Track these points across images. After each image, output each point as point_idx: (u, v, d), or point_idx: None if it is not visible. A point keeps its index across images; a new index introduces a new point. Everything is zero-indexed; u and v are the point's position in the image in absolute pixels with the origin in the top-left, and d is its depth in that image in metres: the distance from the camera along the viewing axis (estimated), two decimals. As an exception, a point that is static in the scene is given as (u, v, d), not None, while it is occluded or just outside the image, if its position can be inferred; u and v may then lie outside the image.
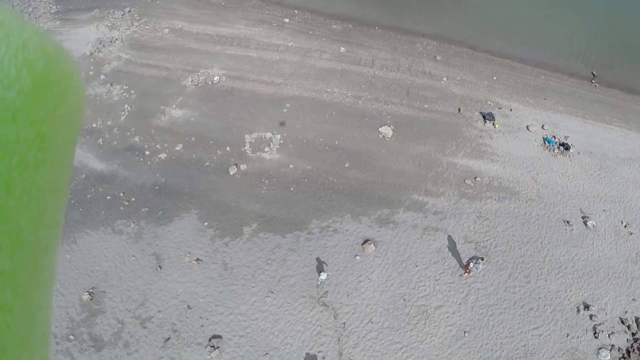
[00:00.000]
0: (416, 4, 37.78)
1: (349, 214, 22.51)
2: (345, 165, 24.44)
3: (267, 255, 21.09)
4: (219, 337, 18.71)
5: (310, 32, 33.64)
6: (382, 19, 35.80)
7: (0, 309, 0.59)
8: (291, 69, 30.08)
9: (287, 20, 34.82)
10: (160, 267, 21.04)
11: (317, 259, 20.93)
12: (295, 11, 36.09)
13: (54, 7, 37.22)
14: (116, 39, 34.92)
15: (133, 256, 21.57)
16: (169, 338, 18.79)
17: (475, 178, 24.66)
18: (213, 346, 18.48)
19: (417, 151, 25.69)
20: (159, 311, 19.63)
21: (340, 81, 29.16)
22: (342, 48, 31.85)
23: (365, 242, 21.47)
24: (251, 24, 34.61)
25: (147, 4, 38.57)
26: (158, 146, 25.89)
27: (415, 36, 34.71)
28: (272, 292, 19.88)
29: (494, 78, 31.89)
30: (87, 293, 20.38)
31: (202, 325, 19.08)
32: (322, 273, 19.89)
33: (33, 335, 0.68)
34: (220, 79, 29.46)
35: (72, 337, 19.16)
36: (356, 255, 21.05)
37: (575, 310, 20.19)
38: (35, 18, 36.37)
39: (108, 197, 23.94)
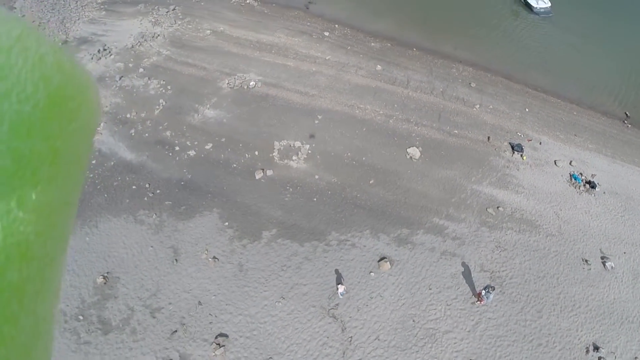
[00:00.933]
0: (456, 30, 37.84)
1: (368, 229, 22.62)
2: (370, 182, 24.57)
3: (283, 262, 21.27)
4: (226, 335, 18.88)
5: (349, 47, 33.92)
6: (421, 42, 35.88)
7: (6, 320, 0.59)
8: (327, 81, 30.37)
9: (327, 33, 35.17)
10: (176, 260, 21.30)
11: (336, 270, 21.08)
12: (336, 26, 36.40)
13: (102, -3, 37.68)
14: (158, 35, 35.42)
15: (151, 247, 21.85)
16: (176, 330, 19.03)
17: (497, 207, 24.48)
18: (219, 344, 18.63)
19: (443, 175, 25.67)
20: (170, 303, 19.88)
21: (374, 98, 29.35)
22: (378, 66, 32.07)
23: (381, 259, 21.50)
24: (291, 34, 35.01)
25: (191, 4, 39.10)
26: (188, 143, 26.21)
27: (452, 61, 34.69)
28: (283, 298, 20.02)
29: (526, 110, 31.66)
30: (101, 277, 20.71)
31: (210, 322, 19.28)
32: (340, 286, 19.95)
33: (36, 347, 0.69)
34: (256, 84, 29.76)
35: (81, 318, 19.47)
36: (371, 272, 21.08)
37: (585, 350, 19.89)
38: (82, 7, 37.39)
39: (133, 187, 24.29)
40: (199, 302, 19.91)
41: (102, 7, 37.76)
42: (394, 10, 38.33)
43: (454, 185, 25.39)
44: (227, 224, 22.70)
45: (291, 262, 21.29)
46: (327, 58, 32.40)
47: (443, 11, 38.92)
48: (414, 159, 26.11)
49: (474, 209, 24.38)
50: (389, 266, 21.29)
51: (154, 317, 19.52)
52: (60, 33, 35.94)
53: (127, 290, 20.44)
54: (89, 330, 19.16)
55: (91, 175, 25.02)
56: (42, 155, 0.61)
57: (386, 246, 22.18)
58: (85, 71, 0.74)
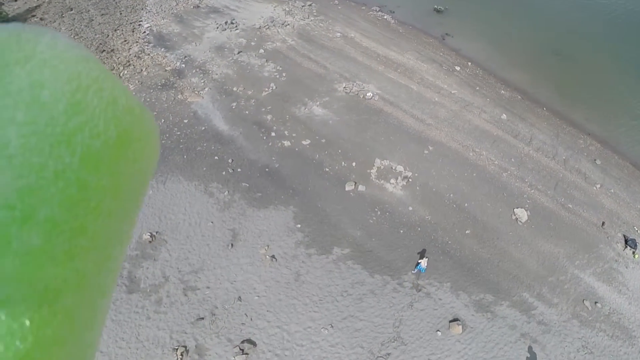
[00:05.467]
0: (593, 102, 34.71)
1: (450, 283, 20.03)
2: (466, 232, 22.02)
3: (346, 287, 19.23)
4: (253, 344, 17.23)
5: (477, 88, 31.67)
6: (553, 103, 33.19)
7: (55, 342, 0.60)
8: (446, 115, 28.28)
9: (457, 68, 33.20)
10: (232, 245, 20.17)
11: (423, 250, 18.48)
12: (469, 63, 34.40)
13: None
14: (288, 24, 36.01)
15: (211, 222, 21.01)
16: (203, 318, 17.76)
17: (595, 303, 21.19)
18: (242, 350, 17.02)
19: (546, 249, 22.67)
20: (208, 287, 18.73)
21: (491, 146, 26.84)
22: (503, 115, 29.55)
23: (454, 320, 18.87)
24: (421, 58, 33.38)
25: (328, 4, 39.59)
26: (286, 132, 25.51)
27: (581, 131, 31.63)
28: (331, 326, 17.97)
29: (651, 206, 28.07)
30: (149, 234, 20.15)
31: (242, 324, 17.72)
32: (423, 260, 18.89)
33: None
34: (373, 96, 28.54)
35: None
36: (438, 330, 18.50)
37: None
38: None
39: (216, 158, 23.84)
40: (239, 297, 18.48)
41: (239, -14, 38.44)
42: (533, 63, 35.94)
43: (555, 263, 22.29)
44: (299, 226, 21.23)
45: (354, 291, 19.15)
46: (452, 92, 30.32)
47: (584, 79, 35.96)
48: (520, 221, 23.33)
49: (569, 297, 21.23)
50: (460, 330, 18.61)
51: (186, 295, 18.45)
52: (195, -2, 36.87)
53: (170, 257, 19.63)
54: None
55: (178, 133, 25.30)
56: (105, 189, 0.66)
57: (463, 307, 19.49)
58: (150, 116, 0.78)
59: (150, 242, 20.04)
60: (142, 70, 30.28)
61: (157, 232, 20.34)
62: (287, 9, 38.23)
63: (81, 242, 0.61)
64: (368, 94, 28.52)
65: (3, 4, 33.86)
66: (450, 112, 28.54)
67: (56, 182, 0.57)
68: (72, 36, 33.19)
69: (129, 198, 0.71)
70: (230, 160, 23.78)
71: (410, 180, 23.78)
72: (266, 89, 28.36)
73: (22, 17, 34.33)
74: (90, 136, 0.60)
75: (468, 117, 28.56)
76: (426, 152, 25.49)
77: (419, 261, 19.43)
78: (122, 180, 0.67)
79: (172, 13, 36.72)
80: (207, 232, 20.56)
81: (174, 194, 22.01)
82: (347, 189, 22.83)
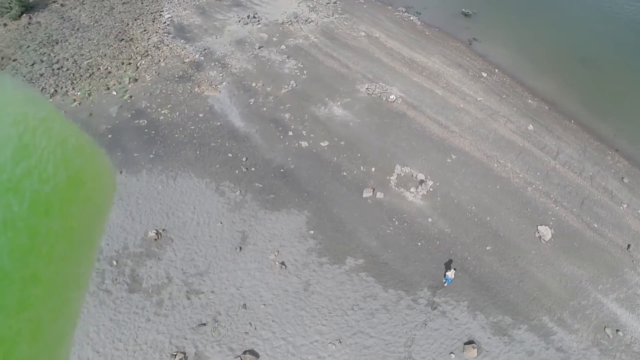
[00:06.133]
0: (623, 116, 33.44)
1: (467, 301, 18.98)
2: (487, 248, 20.93)
3: (357, 300, 18.30)
4: (256, 355, 16.46)
5: (504, 96, 30.51)
6: (581, 115, 31.94)
7: None
8: (471, 122, 27.18)
9: (484, 74, 32.07)
10: (240, 248, 19.44)
11: (448, 262, 17.47)
12: (496, 70, 33.24)
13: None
14: (311, 21, 35.47)
15: (220, 223, 20.30)
16: (205, 324, 17.03)
17: (617, 331, 20.02)
18: None
19: (569, 270, 21.50)
20: (213, 292, 18.00)
21: (517, 158, 25.68)
22: (530, 126, 28.35)
23: (469, 342, 17.84)
24: (447, 62, 32.34)
25: (353, 3, 39.01)
26: (304, 132, 24.78)
27: (609, 147, 30.32)
28: (339, 342, 17.09)
29: (680, 230, 26.78)
30: (155, 231, 19.57)
31: (246, 333, 16.94)
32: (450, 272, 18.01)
33: None
34: (396, 99, 27.59)
35: (114, 263, 18.50)
36: (452, 353, 17.50)
37: None
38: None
39: (229, 155, 23.24)
40: (244, 304, 17.69)
41: (267, -20, 38.04)
42: (561, 72, 34.67)
43: (577, 286, 21.13)
44: (312, 232, 20.36)
45: (365, 305, 18.20)
46: (478, 99, 29.20)
47: (614, 91, 34.64)
48: (543, 240, 22.19)
49: (590, 323, 20.11)
50: (475, 354, 17.59)
51: (189, 299, 17.75)
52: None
53: (175, 257, 18.99)
54: (116, 279, 18.03)
55: (192, 127, 24.81)
56: (57, 234, 0.64)
57: (480, 329, 18.43)
58: (103, 154, 0.76)
59: (155, 239, 19.36)
60: (159, 61, 29.68)
61: (163, 230, 19.67)
62: (311, 5, 37.57)
63: (34, 292, 0.59)
64: (391, 97, 27.60)
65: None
66: (476, 120, 27.46)
67: (5, 233, 0.56)
68: (92, 23, 32.83)
69: (83, 240, 0.69)
70: (244, 159, 23.08)
71: (431, 189, 22.75)
72: (286, 86, 27.66)
73: (43, 4, 33.94)
74: (39, 181, 0.59)
75: (493, 126, 27.44)
76: (449, 160, 24.46)
77: (446, 272, 18.55)
78: (76, 223, 0.66)
79: (194, 4, 36.16)
80: (215, 233, 19.82)
81: (184, 190, 21.35)
82: (364, 195, 21.91)
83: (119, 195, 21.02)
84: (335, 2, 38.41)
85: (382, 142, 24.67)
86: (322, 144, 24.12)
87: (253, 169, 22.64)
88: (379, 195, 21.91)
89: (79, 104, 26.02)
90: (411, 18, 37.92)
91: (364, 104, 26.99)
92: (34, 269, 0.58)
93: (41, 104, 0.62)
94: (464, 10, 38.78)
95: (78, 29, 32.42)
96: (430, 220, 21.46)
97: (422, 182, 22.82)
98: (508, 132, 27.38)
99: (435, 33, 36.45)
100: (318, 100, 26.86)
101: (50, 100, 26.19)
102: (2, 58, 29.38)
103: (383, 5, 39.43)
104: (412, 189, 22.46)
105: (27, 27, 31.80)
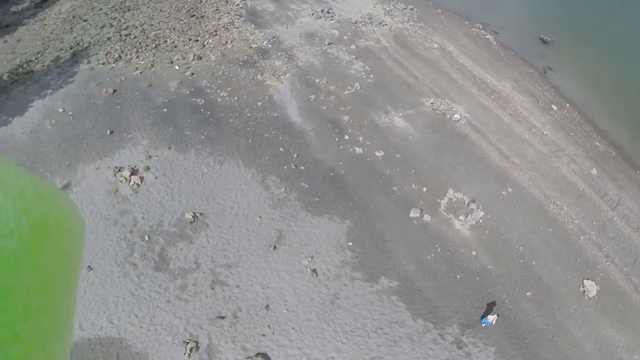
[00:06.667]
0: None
1: (495, 347, 17.90)
2: (527, 294, 19.82)
3: (382, 324, 17.58)
4: (268, 359, 16.03)
5: (572, 133, 29.04)
6: (649, 167, 30.18)
7: None
8: (534, 156, 25.97)
9: (554, 107, 30.65)
10: (274, 247, 19.10)
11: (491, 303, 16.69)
12: (567, 104, 31.71)
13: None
14: (385, 24, 34.94)
15: (259, 217, 20.04)
16: (223, 317, 16.75)
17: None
18: None
19: (607, 333, 20.05)
20: (238, 286, 17.70)
21: (575, 203, 24.33)
22: (594, 170, 26.88)
23: (489, 391, 16.84)
24: (518, 88, 31.12)
25: (431, 12, 38.31)
26: (360, 139, 24.27)
27: (674, 208, 28.61)
28: (356, 363, 16.46)
29: None
30: (192, 214, 19.49)
31: (263, 335, 16.53)
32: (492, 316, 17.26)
33: None
34: (460, 119, 26.74)
35: (146, 238, 18.53)
36: (470, 397, 16.58)
37: None
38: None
39: (281, 149, 23.00)
40: (267, 305, 17.33)
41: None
42: (636, 117, 32.56)
43: (612, 352, 19.60)
44: (350, 244, 19.78)
45: (390, 330, 17.45)
46: (544, 132, 27.92)
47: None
48: (587, 295, 20.86)
49: (621, 392, 18.93)
50: (493, 404, 16.70)
51: (213, 289, 17.52)
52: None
53: (207, 244, 18.83)
54: (144, 254, 18.05)
55: (248, 115, 24.64)
56: (31, 288, 0.63)
57: (503, 380, 17.44)
58: (66, 197, 0.75)
59: (191, 222, 19.25)
60: (227, 42, 29.63)
61: (200, 214, 19.55)
62: (387, 8, 37.05)
63: (14, 350, 0.58)
64: (455, 116, 26.80)
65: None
66: (539, 154, 26.22)
67: None
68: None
69: (59, 287, 0.68)
70: (295, 155, 22.75)
71: (480, 220, 21.78)
72: (349, 88, 27.18)
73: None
74: (1, 237, 0.57)
75: (556, 164, 26.13)
76: (504, 193, 23.40)
77: (487, 315, 17.65)
78: (48, 273, 0.64)
79: (270, -10, 35.88)
80: (252, 227, 19.54)
81: (229, 177, 21.15)
82: (411, 215, 21.18)
83: (162, 171, 21.00)
84: (412, 9, 37.72)
85: (438, 162, 23.88)
86: (377, 153, 23.53)
87: (302, 167, 22.28)
88: (426, 217, 21.15)
89: (140, 73, 26.24)
90: (487, 36, 36.78)
91: (426, 119, 26.26)
92: (11, 329, 0.56)
93: None
94: (542, 36, 37.20)
95: (152, -1, 32.83)
96: (474, 253, 20.53)
97: (473, 211, 21.94)
98: (570, 172, 26.03)
99: (509, 55, 35.18)
100: (380, 107, 26.25)
101: (113, 65, 26.53)
102: (74, 17, 29.85)
103: (460, 19, 38.43)
104: (462, 217, 21.59)
105: (102, -10, 32.33)
